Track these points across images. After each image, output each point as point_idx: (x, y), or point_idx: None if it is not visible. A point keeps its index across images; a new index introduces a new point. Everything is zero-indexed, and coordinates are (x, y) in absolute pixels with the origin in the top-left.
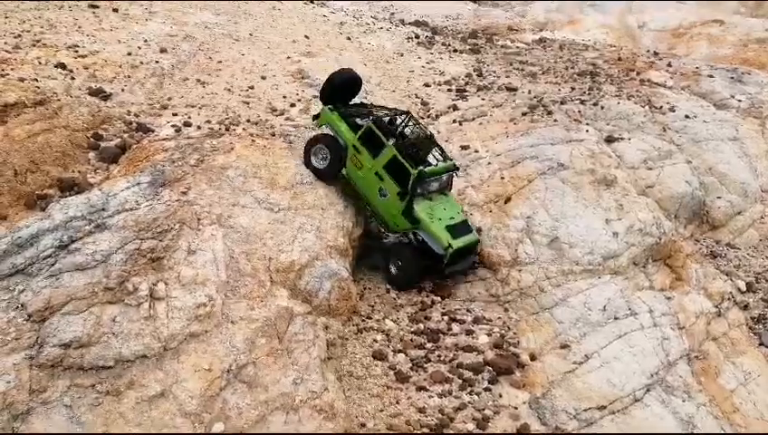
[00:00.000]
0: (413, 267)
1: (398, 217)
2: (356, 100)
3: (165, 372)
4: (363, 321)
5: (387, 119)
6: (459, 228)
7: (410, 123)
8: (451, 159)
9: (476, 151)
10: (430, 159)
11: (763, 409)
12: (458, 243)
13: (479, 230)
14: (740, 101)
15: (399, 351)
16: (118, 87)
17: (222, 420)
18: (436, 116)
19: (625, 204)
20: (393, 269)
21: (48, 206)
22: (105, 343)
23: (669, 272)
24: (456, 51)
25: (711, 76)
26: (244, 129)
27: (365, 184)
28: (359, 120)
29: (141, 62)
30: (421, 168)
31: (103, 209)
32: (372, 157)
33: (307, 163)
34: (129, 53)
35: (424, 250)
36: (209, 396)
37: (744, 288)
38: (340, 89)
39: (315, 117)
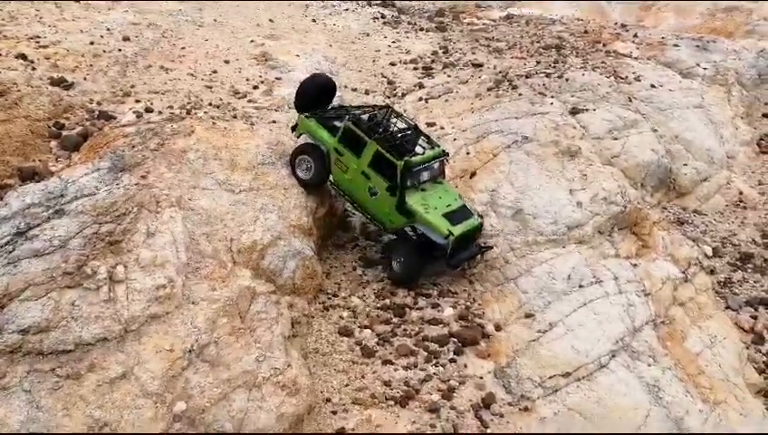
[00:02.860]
0: (415, 263)
1: (393, 214)
2: (334, 104)
3: (126, 353)
4: (329, 299)
5: (367, 117)
6: (458, 214)
7: (393, 117)
8: (439, 146)
9: (442, 128)
10: (418, 149)
11: (728, 370)
12: (459, 229)
13: (480, 216)
14: (705, 69)
15: (365, 327)
16: (80, 76)
17: (184, 400)
18: (403, 94)
19: (589, 174)
20: (395, 266)
21: (6, 195)
22: (64, 328)
23: (636, 240)
24: (422, 29)
25: (676, 46)
26: (205, 112)
27: (353, 187)
28: (338, 123)
29: (104, 51)
30: (407, 158)
31: (62, 196)
32: (356, 157)
33: (295, 176)
34: (92, 43)
35: (426, 244)
36: (171, 376)
37: (711, 253)
38: (315, 95)
39: (293, 128)
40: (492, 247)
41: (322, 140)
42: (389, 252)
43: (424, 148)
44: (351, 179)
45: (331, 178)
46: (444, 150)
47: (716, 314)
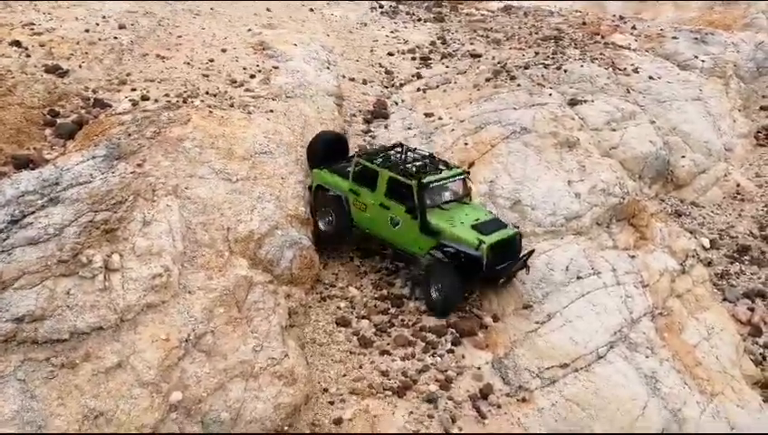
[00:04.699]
0: (457, 288)
1: (420, 238)
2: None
3: (122, 343)
4: (327, 289)
5: (380, 158)
6: (488, 225)
7: (407, 153)
8: (457, 167)
9: (440, 119)
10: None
11: (725, 362)
12: (492, 238)
13: (516, 227)
14: (703, 61)
15: (363, 317)
16: (75, 64)
17: (180, 389)
18: (401, 85)
19: (587, 165)
20: (434, 293)
21: (0, 182)
22: (59, 317)
23: (633, 231)
24: (420, 20)
25: (675, 38)
26: (202, 100)
27: (377, 224)
28: (350, 169)
29: (99, 39)
30: (420, 175)
31: (57, 183)
32: (372, 191)
33: (318, 230)
34: (87, 30)
35: (464, 264)
36: (167, 366)
37: (708, 245)
38: (324, 151)
39: (311, 188)
40: (533, 251)
41: (337, 185)
42: (427, 279)
43: (441, 169)
44: (373, 217)
45: (354, 222)
46: (463, 170)
47: (714, 306)
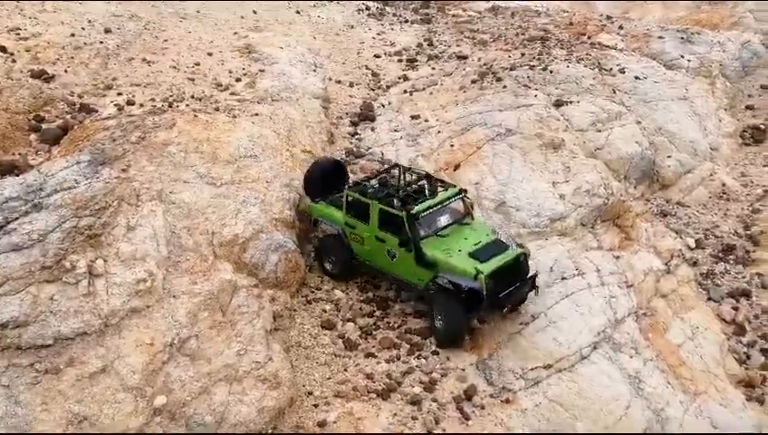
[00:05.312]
0: (458, 321)
1: (418, 270)
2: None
3: (106, 348)
4: (312, 292)
5: (376, 181)
6: (485, 250)
7: (404, 174)
8: (454, 186)
9: (426, 121)
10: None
11: (709, 361)
12: (489, 266)
13: (521, 246)
14: (689, 61)
15: (349, 320)
16: (61, 69)
17: (165, 393)
18: (387, 87)
19: (572, 166)
20: (438, 324)
21: None
22: (43, 322)
23: (618, 232)
24: (406, 21)
25: (661, 37)
26: (187, 105)
27: (375, 256)
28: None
29: (85, 43)
30: (409, 206)
31: (40, 189)
32: (366, 223)
33: (324, 271)
34: (73, 35)
35: (465, 296)
36: (152, 370)
37: (694, 245)
38: (322, 181)
39: (311, 222)
40: (537, 274)
41: (334, 219)
42: (430, 310)
43: (434, 193)
44: (371, 250)
45: (355, 254)
46: (460, 189)
47: (698, 306)
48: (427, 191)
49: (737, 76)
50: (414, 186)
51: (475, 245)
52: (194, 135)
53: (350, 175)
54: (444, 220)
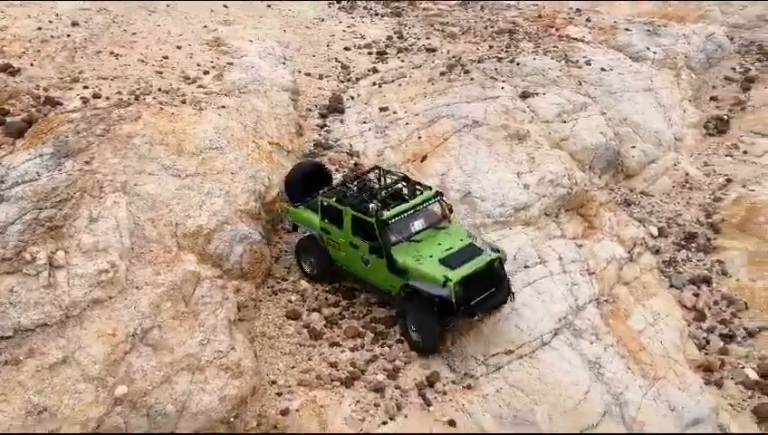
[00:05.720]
0: (432, 327)
1: (390, 277)
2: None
3: (67, 339)
4: (278, 283)
5: (355, 185)
6: (457, 256)
7: (385, 176)
8: (430, 189)
9: (395, 112)
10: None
11: (669, 347)
12: (459, 273)
13: (497, 250)
14: (655, 53)
15: (314, 310)
16: (27, 62)
17: (126, 383)
18: (357, 79)
19: (537, 157)
20: (414, 335)
21: None
22: (3, 314)
23: (582, 221)
24: (377, 14)
25: (628, 30)
26: (154, 97)
27: (351, 262)
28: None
29: (52, 36)
30: (379, 212)
31: (2, 182)
32: (340, 229)
33: (304, 273)
34: (40, 28)
35: (436, 304)
36: (113, 360)
37: (656, 233)
38: (303, 183)
39: (291, 226)
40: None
41: (311, 224)
42: (403, 318)
43: (408, 198)
44: (347, 255)
45: (333, 259)
46: (436, 192)
47: (660, 293)
48: (405, 195)
49: (702, 68)
50: (391, 189)
51: (448, 250)
52: (159, 127)
53: (334, 177)
54: (418, 225)
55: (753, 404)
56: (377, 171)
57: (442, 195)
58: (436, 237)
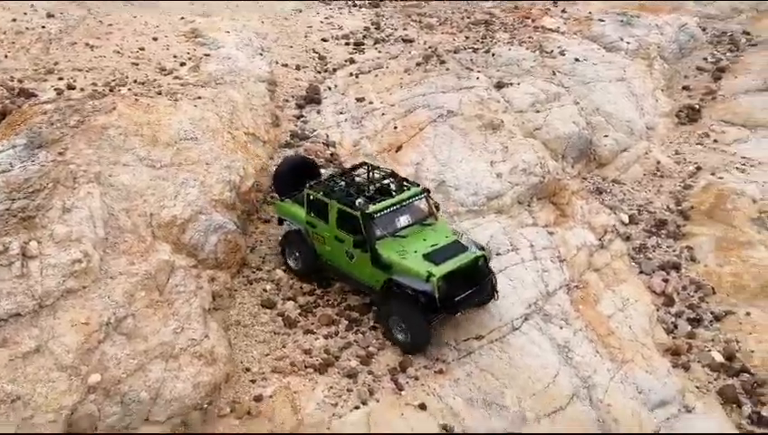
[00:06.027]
0: (419, 322)
1: (375, 272)
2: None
3: (40, 328)
4: (253, 272)
5: (342, 180)
6: (441, 252)
7: (373, 171)
8: (417, 185)
9: (371, 103)
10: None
11: (637, 331)
12: (443, 269)
13: (482, 248)
14: (628, 43)
15: (289, 298)
16: (1, 54)
17: (100, 372)
18: (334, 70)
19: (510, 146)
20: (400, 335)
21: None
22: None
23: (554, 209)
24: (355, 6)
25: (602, 20)
26: (129, 89)
27: (336, 257)
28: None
29: (27, 28)
30: (364, 206)
31: None
32: (326, 223)
33: (288, 268)
34: (14, 19)
35: (420, 299)
36: (87, 349)
37: (627, 221)
38: (291, 177)
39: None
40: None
41: (297, 217)
42: (386, 319)
43: (394, 193)
44: (332, 250)
45: (318, 254)
46: (423, 189)
47: (630, 279)
48: (393, 191)
49: (674, 58)
50: (378, 184)
51: (432, 246)
52: (134, 119)
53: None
54: (404, 220)
55: (718, 386)
56: (365, 167)
57: (429, 192)
58: (421, 234)
